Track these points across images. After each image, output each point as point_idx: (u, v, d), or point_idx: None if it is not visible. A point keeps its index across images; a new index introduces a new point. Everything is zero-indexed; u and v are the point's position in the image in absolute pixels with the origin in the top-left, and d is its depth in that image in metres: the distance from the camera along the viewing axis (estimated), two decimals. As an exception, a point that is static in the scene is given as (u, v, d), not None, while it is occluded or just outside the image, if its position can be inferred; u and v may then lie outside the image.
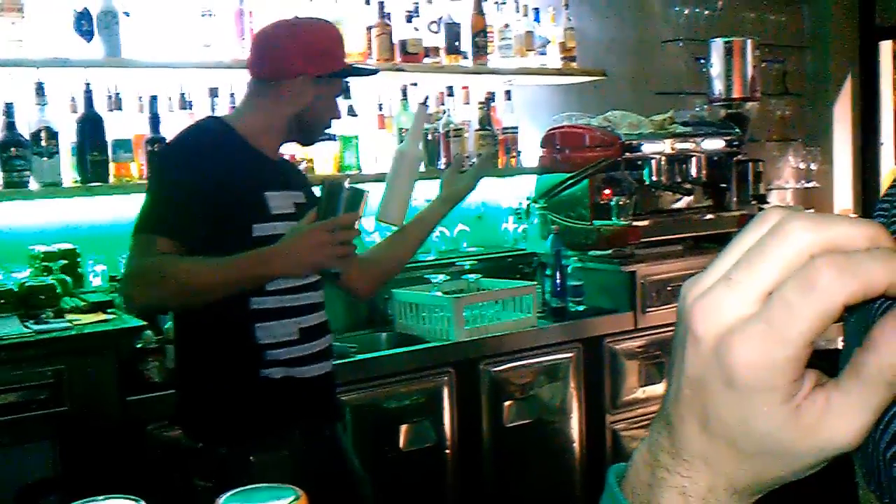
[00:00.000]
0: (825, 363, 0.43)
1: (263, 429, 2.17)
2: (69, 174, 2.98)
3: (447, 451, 3.16)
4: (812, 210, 4.53)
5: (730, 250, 0.44)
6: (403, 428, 3.04)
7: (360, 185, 2.12)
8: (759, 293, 0.41)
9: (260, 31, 2.29)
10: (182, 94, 3.17)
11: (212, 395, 2.19)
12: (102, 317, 2.74)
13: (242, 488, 1.10)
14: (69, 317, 2.72)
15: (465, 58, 3.74)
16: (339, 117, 2.37)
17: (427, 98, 3.07)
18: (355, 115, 3.47)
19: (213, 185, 2.06)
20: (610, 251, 3.73)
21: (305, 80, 2.19)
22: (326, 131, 2.41)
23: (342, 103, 2.53)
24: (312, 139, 2.41)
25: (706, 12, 4.77)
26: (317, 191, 2.23)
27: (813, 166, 5.31)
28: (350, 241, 2.04)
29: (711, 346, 0.42)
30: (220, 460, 2.16)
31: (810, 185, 5.32)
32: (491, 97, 3.90)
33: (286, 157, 2.40)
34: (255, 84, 2.26)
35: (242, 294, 2.08)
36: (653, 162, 3.80)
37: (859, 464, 0.49)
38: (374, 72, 2.65)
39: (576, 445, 3.49)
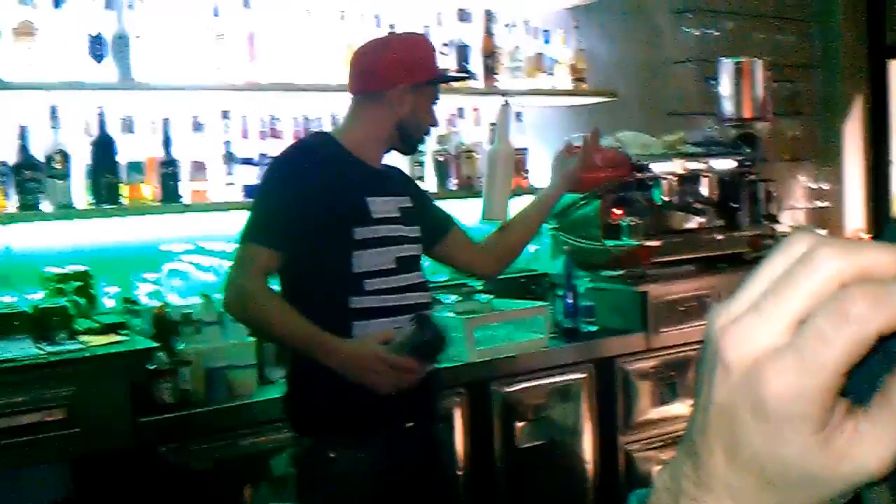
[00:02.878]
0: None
1: (347, 427, 2.25)
2: (82, 196, 2.99)
3: (459, 472, 3.14)
4: (826, 231, 4.50)
5: (757, 277, 0.43)
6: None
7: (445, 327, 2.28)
8: (789, 322, 0.41)
9: (357, 50, 2.43)
10: (194, 117, 3.19)
11: (306, 388, 2.31)
12: (115, 338, 2.75)
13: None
14: (82, 338, 2.73)
15: (476, 79, 3.76)
16: (436, 124, 2.52)
17: (507, 100, 3.13)
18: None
19: (315, 193, 2.21)
20: (622, 271, 3.72)
21: (404, 90, 2.32)
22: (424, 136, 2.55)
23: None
24: (413, 147, 2.54)
25: (716, 33, 4.78)
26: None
27: (824, 186, 5.30)
28: (406, 381, 2.18)
29: (742, 375, 0.42)
30: (303, 450, 2.30)
31: (821, 204, 5.31)
32: (501, 118, 3.91)
33: (391, 165, 2.52)
34: (357, 100, 2.39)
35: (344, 292, 2.23)
36: (664, 182, 3.80)
37: (891, 491, 0.48)
38: (466, 77, 2.79)
39: (588, 466, 3.47)
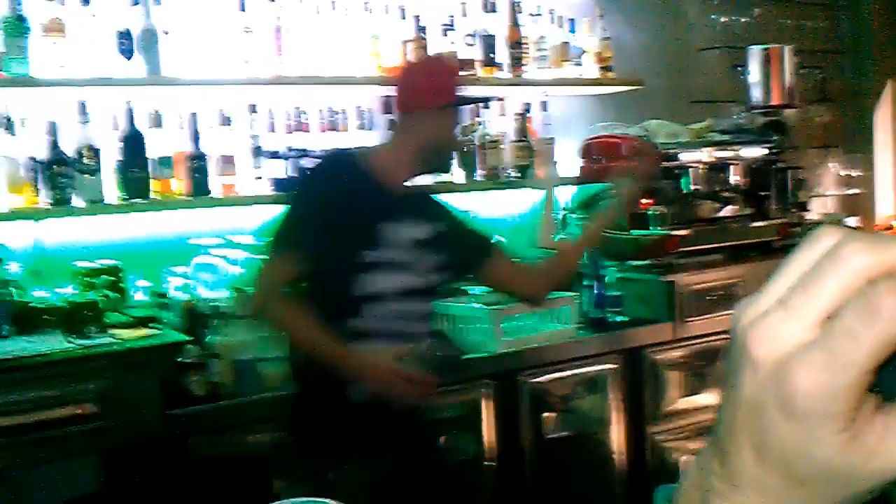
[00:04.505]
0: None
1: (347, 446, 2.29)
2: (112, 191, 3.02)
3: (487, 464, 3.15)
4: (856, 218, 4.43)
5: (783, 272, 0.43)
6: (443, 440, 3.04)
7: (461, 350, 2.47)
8: (816, 318, 0.40)
9: (394, 71, 2.58)
10: (222, 111, 3.20)
11: (308, 407, 2.39)
12: (145, 332, 2.78)
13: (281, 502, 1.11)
14: (113, 332, 2.75)
15: (501, 70, 3.74)
16: (460, 146, 2.56)
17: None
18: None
19: (332, 214, 2.29)
20: (649, 261, 3.71)
21: (432, 113, 2.39)
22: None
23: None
24: (443, 167, 2.65)
25: (743, 20, 4.73)
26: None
27: (854, 173, 5.24)
28: (420, 394, 2.27)
29: (769, 372, 0.41)
30: (302, 470, 2.34)
31: (852, 191, 5.25)
32: (527, 108, 3.90)
33: (420, 191, 2.54)
34: (394, 118, 2.51)
35: (344, 313, 2.29)
36: (691, 171, 3.78)
37: None
38: (488, 99, 2.92)
39: (617, 457, 3.47)
